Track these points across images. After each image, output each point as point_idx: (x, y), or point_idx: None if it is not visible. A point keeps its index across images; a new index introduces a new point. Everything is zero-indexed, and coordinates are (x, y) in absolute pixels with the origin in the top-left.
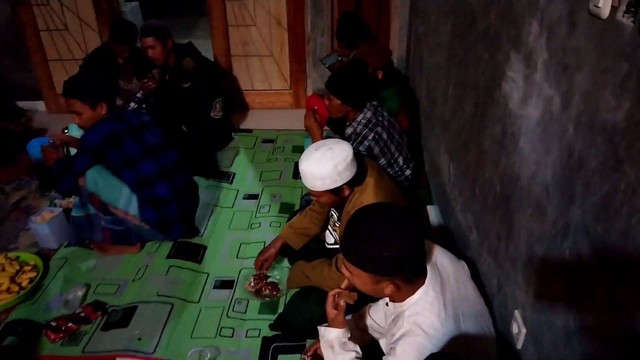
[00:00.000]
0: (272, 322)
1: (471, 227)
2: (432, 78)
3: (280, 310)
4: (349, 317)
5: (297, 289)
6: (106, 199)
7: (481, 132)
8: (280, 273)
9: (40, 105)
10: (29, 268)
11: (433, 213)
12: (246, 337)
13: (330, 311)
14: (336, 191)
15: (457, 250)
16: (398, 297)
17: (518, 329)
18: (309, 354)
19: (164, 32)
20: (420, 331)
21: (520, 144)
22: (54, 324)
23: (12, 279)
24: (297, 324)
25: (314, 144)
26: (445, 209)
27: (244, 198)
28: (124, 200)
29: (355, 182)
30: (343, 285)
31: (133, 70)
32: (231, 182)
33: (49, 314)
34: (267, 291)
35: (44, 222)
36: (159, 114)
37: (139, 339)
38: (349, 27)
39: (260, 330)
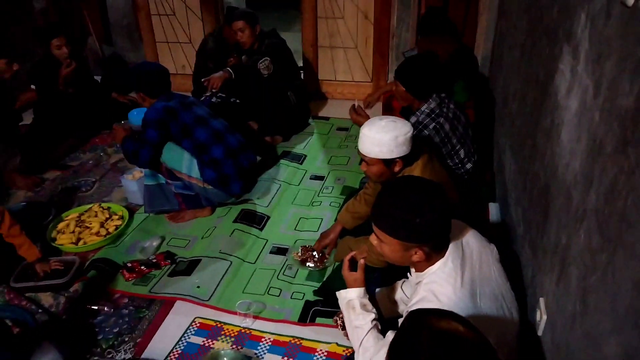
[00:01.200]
0: (316, 289)
1: (519, 221)
2: (507, 75)
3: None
4: (380, 289)
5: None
6: (171, 165)
7: (536, 126)
8: (326, 248)
9: None
10: (116, 217)
11: (494, 210)
12: (291, 298)
13: (348, 274)
14: (389, 163)
15: (507, 245)
16: (420, 266)
17: (540, 315)
18: (340, 315)
19: (254, 18)
20: (434, 298)
21: (561, 135)
22: (129, 265)
23: (102, 225)
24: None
25: (379, 116)
26: (503, 206)
27: (310, 178)
28: (186, 165)
29: (407, 160)
30: (361, 255)
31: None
32: (301, 163)
33: (126, 257)
34: (312, 262)
35: (134, 180)
36: (240, 95)
37: (198, 287)
38: (431, 21)
39: (304, 294)
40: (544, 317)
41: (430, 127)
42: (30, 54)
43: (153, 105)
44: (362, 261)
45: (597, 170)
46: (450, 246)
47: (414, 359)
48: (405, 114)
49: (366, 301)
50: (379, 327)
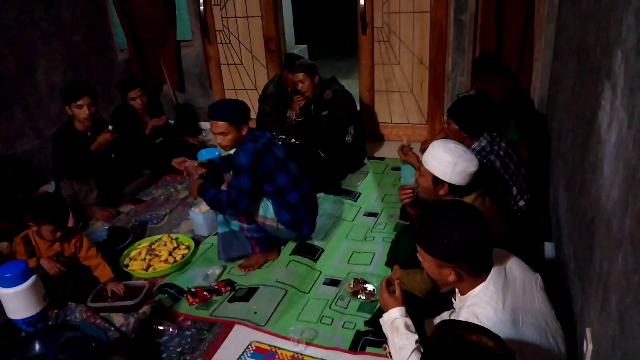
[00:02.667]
0: (367, 319)
1: (571, 257)
2: (560, 115)
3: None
4: (428, 319)
5: None
6: (250, 209)
7: (583, 162)
8: (378, 281)
9: None
10: (183, 247)
11: (549, 249)
12: (342, 327)
13: (386, 296)
14: (437, 182)
15: (561, 282)
16: (462, 288)
17: (586, 345)
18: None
19: (313, 69)
20: (476, 319)
21: (604, 167)
22: (193, 290)
23: (170, 253)
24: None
25: (455, 142)
26: (557, 244)
27: (364, 214)
28: (263, 207)
29: (456, 191)
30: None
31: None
32: (355, 200)
33: (191, 283)
34: (364, 295)
35: (200, 213)
36: (304, 139)
37: (255, 312)
38: (487, 61)
39: (355, 324)
40: (590, 346)
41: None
42: (111, 101)
43: (244, 148)
44: (397, 281)
45: (631, 196)
46: (493, 271)
47: None
48: None
49: (409, 322)
50: (422, 351)
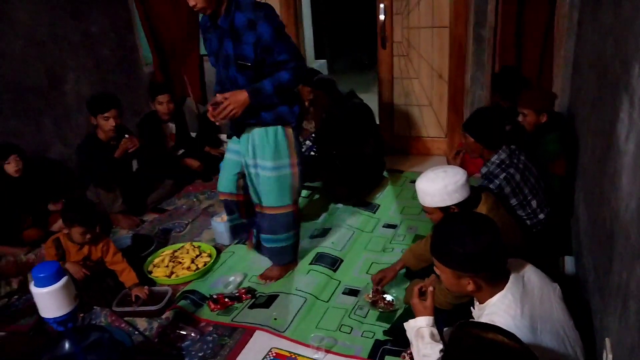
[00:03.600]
0: (386, 329)
1: (591, 269)
2: (580, 129)
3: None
4: (448, 328)
5: None
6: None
7: (602, 175)
8: (397, 291)
9: None
10: (205, 255)
11: (569, 263)
12: (361, 336)
13: (417, 302)
14: (445, 210)
15: (581, 295)
16: (481, 297)
17: (606, 355)
18: (408, 352)
19: (330, 84)
20: None
21: (622, 178)
22: (215, 297)
23: (192, 261)
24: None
25: (432, 167)
26: (577, 258)
27: (383, 226)
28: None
29: (464, 206)
30: (429, 284)
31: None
32: (374, 212)
33: (213, 290)
34: (382, 304)
35: (222, 222)
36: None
37: (275, 319)
38: (506, 79)
39: (374, 333)
40: (610, 356)
41: (501, 177)
42: (136, 113)
43: (246, 2)
44: (430, 289)
45: None
46: (511, 280)
47: None
48: None
49: (435, 331)
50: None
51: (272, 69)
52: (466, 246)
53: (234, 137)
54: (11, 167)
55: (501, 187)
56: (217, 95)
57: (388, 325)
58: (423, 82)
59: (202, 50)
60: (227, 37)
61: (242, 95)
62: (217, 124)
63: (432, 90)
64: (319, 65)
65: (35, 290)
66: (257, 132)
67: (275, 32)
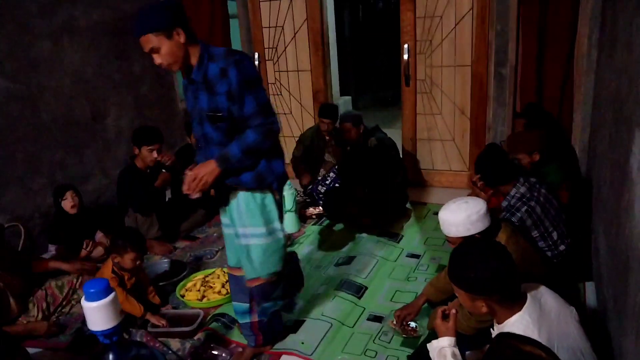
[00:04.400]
0: (410, 354)
1: (610, 298)
2: (599, 164)
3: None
4: (471, 352)
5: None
6: None
7: (619, 206)
8: (419, 318)
9: None
10: None
11: (590, 291)
12: None
13: (440, 323)
14: (469, 239)
15: (602, 324)
16: (498, 318)
17: None
18: None
19: (359, 120)
20: None
21: (635, 207)
22: None
23: (223, 285)
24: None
25: (454, 199)
26: (598, 288)
27: (406, 256)
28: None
29: (488, 233)
30: (453, 307)
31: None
32: (398, 242)
33: None
34: (406, 331)
35: None
36: (347, 180)
37: (302, 343)
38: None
39: (398, 358)
40: None
41: (523, 210)
42: (171, 145)
43: (218, 54)
44: (453, 311)
45: None
46: (528, 301)
47: None
48: None
49: (457, 351)
50: None
51: (242, 124)
52: (477, 270)
53: (222, 209)
54: (68, 203)
55: (523, 220)
56: (186, 171)
57: (412, 351)
58: (446, 118)
59: None
60: (201, 90)
61: (209, 166)
62: (193, 198)
63: (455, 125)
64: (344, 101)
65: (86, 304)
66: (242, 197)
67: (244, 81)
